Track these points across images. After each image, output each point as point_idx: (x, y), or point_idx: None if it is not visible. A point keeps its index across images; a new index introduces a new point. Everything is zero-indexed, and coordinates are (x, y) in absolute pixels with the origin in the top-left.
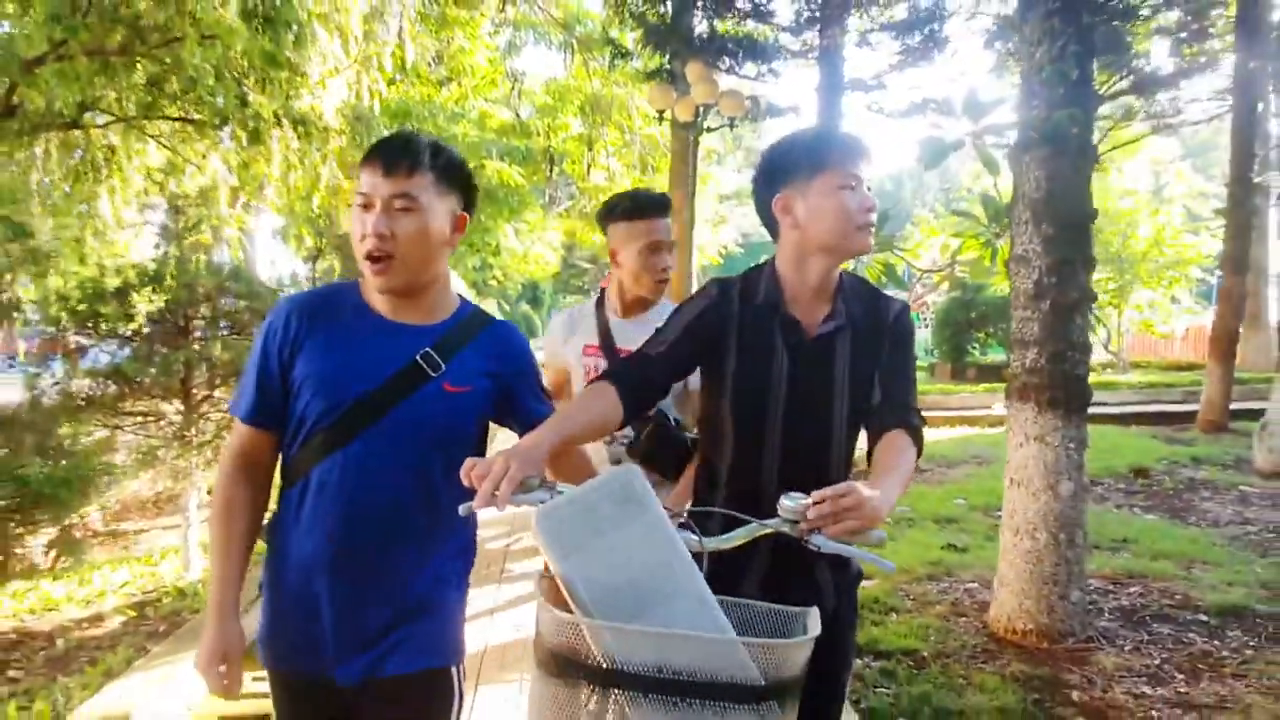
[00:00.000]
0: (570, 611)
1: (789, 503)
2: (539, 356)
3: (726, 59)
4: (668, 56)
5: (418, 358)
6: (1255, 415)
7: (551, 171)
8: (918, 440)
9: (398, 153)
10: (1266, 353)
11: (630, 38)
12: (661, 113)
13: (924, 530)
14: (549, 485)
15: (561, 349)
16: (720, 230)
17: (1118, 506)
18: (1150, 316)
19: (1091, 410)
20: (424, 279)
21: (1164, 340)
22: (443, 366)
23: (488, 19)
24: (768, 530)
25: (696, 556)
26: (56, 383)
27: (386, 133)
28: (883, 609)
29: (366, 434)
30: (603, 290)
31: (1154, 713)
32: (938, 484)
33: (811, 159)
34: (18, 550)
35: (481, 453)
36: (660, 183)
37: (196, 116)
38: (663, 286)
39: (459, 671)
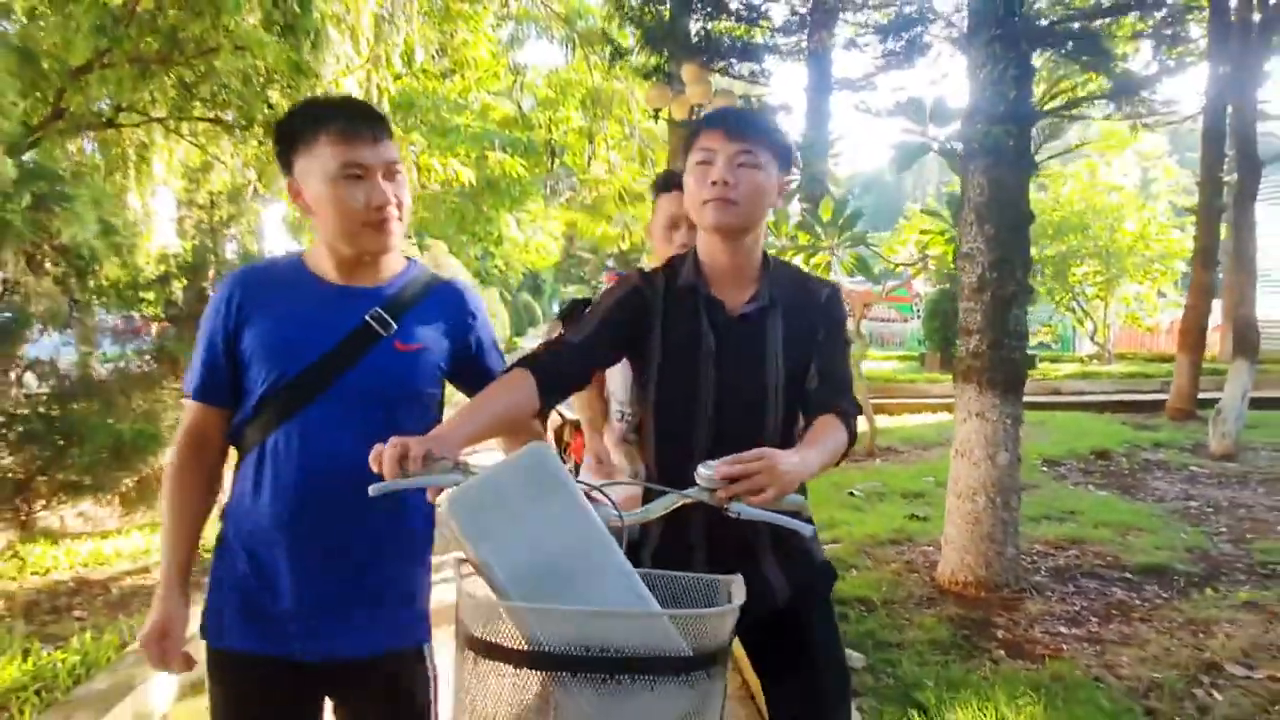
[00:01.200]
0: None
1: (705, 471)
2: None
3: (720, 60)
4: (664, 57)
5: (367, 318)
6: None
7: (553, 163)
8: (848, 424)
9: (375, 122)
10: None
11: (631, 33)
12: (658, 111)
13: (892, 503)
14: (461, 466)
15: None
16: None
17: (1075, 484)
18: (1136, 310)
19: (1071, 399)
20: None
21: (1149, 333)
22: (393, 325)
23: (490, 13)
24: (687, 500)
25: (618, 534)
26: (111, 360)
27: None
28: (844, 567)
29: (319, 400)
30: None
31: (1064, 646)
32: (911, 464)
33: (689, 137)
34: (82, 511)
35: (439, 415)
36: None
37: (224, 117)
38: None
39: (429, 649)
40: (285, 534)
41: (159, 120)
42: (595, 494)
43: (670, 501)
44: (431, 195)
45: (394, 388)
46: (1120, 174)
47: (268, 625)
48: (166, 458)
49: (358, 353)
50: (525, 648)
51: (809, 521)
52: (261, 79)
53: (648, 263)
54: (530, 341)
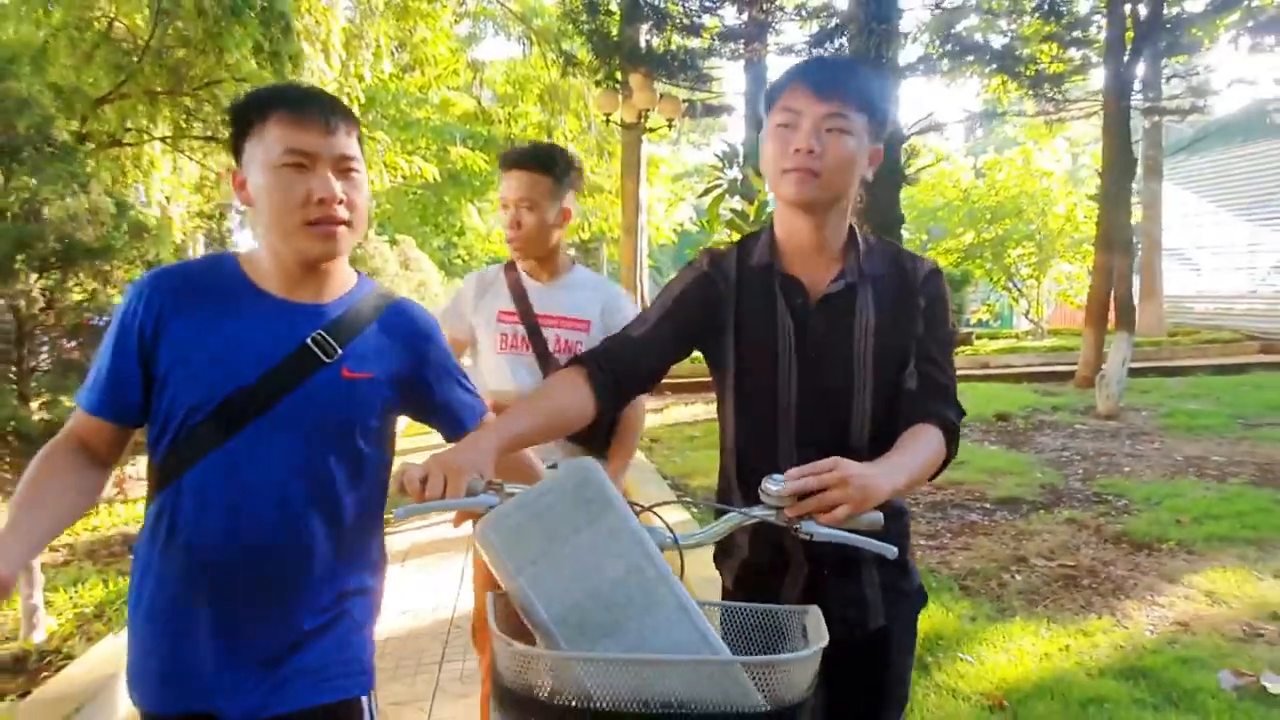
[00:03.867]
0: (529, 635)
1: (771, 486)
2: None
3: (664, 69)
4: (614, 65)
5: (309, 340)
6: (1137, 374)
7: None
8: (949, 435)
9: (330, 108)
10: (1159, 320)
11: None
12: (609, 115)
13: None
14: (495, 486)
15: (467, 314)
16: (677, 209)
17: (973, 441)
18: (1067, 288)
19: (996, 371)
20: (351, 246)
21: (1080, 310)
22: (339, 350)
23: (449, 10)
24: (752, 520)
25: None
26: None
27: None
28: None
29: (249, 430)
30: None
31: (915, 550)
32: None
33: (771, 94)
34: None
35: (390, 451)
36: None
37: (220, 136)
38: (514, 248)
39: (371, 701)
40: (206, 580)
41: (161, 139)
42: (648, 514)
43: (734, 521)
44: (395, 189)
45: (334, 420)
46: (1052, 160)
47: (187, 681)
48: (39, 452)
49: (296, 379)
50: (573, 704)
51: (899, 542)
52: None
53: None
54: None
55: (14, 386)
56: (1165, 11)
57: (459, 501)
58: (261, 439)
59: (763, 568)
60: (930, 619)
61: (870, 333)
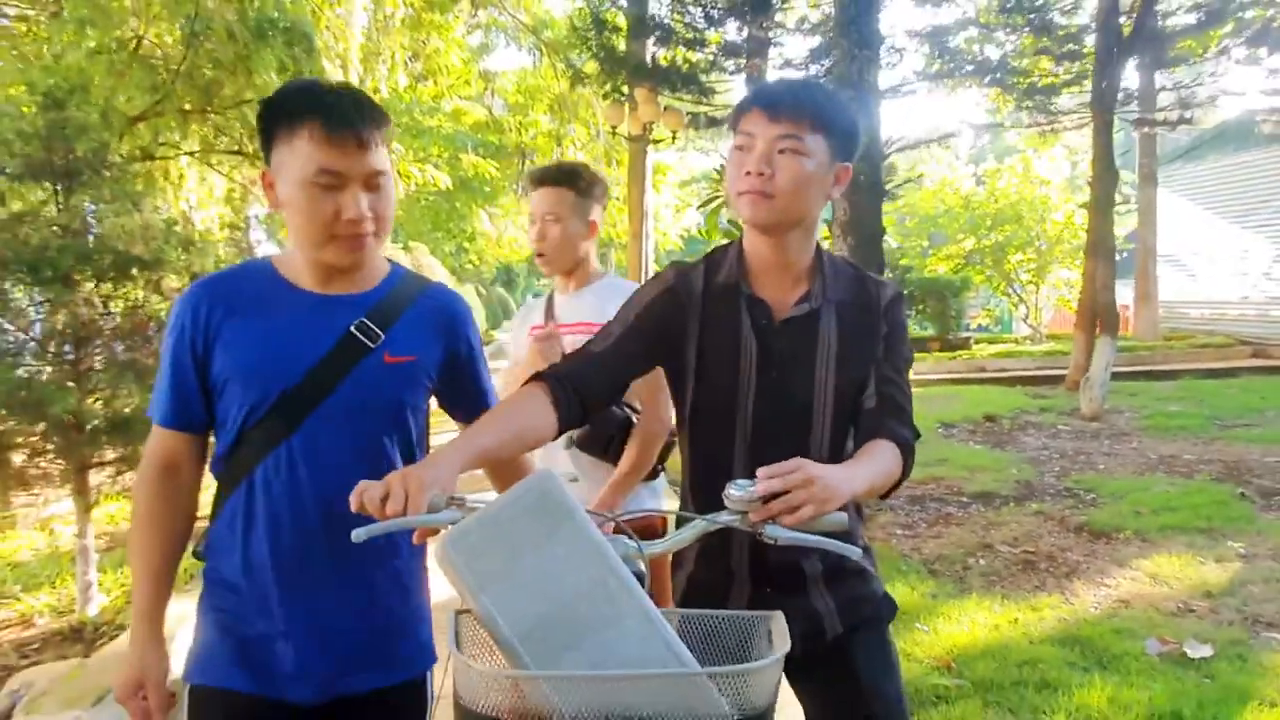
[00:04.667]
0: (494, 647)
1: (736, 491)
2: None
3: (668, 83)
4: (620, 80)
5: (352, 328)
6: (1128, 378)
7: (523, 165)
8: (904, 453)
9: (363, 121)
10: (1153, 325)
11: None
12: (615, 127)
13: None
14: (457, 502)
15: (518, 335)
16: (684, 214)
17: (959, 441)
18: (1066, 294)
19: (991, 375)
20: None
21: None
22: (381, 335)
23: (461, 22)
24: (716, 526)
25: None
26: None
27: None
28: None
29: (309, 421)
30: None
31: (891, 539)
32: None
33: (732, 116)
34: None
35: (428, 432)
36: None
37: (245, 149)
38: (542, 263)
39: (431, 677)
40: (280, 570)
41: (190, 153)
42: (611, 525)
43: (699, 528)
44: (408, 196)
45: (385, 403)
46: (1051, 168)
47: (259, 666)
48: (134, 488)
49: (346, 367)
50: None
51: (858, 544)
52: None
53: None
54: (505, 335)
55: (73, 384)
56: (1158, 24)
57: (420, 519)
58: (320, 429)
59: (707, 585)
60: (895, 596)
61: (832, 356)
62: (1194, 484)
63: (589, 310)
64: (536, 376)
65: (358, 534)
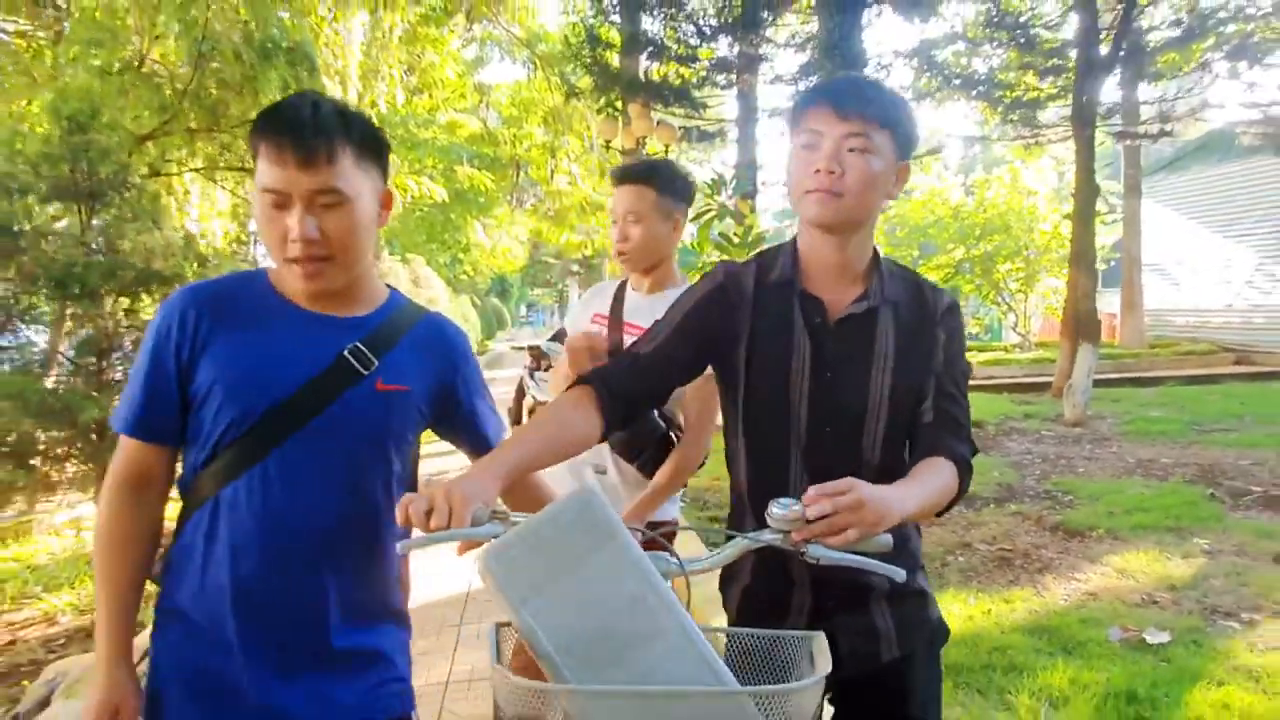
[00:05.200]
0: (534, 666)
1: (778, 510)
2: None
3: (661, 98)
4: (614, 95)
5: (345, 353)
6: (1114, 384)
7: (518, 177)
8: (961, 471)
9: (309, 135)
10: (1139, 333)
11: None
12: (608, 141)
13: None
14: (500, 515)
15: (577, 320)
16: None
17: None
18: (1054, 302)
19: (979, 382)
20: (356, 271)
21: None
22: (375, 362)
23: (456, 36)
24: (758, 545)
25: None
26: None
27: None
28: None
29: (287, 444)
30: None
31: None
32: None
33: (793, 111)
34: None
35: (415, 467)
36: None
37: (251, 166)
38: (621, 259)
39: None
40: (243, 599)
41: (196, 170)
42: (653, 538)
43: (740, 546)
44: (404, 208)
45: (372, 431)
46: (1038, 179)
47: (221, 704)
48: (99, 503)
49: (334, 393)
50: None
51: (907, 567)
52: None
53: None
54: (500, 345)
55: (96, 394)
56: (1139, 40)
57: (464, 532)
58: (299, 453)
59: (766, 597)
60: None
61: (889, 357)
62: (1167, 486)
63: (653, 317)
64: (582, 380)
65: (401, 546)
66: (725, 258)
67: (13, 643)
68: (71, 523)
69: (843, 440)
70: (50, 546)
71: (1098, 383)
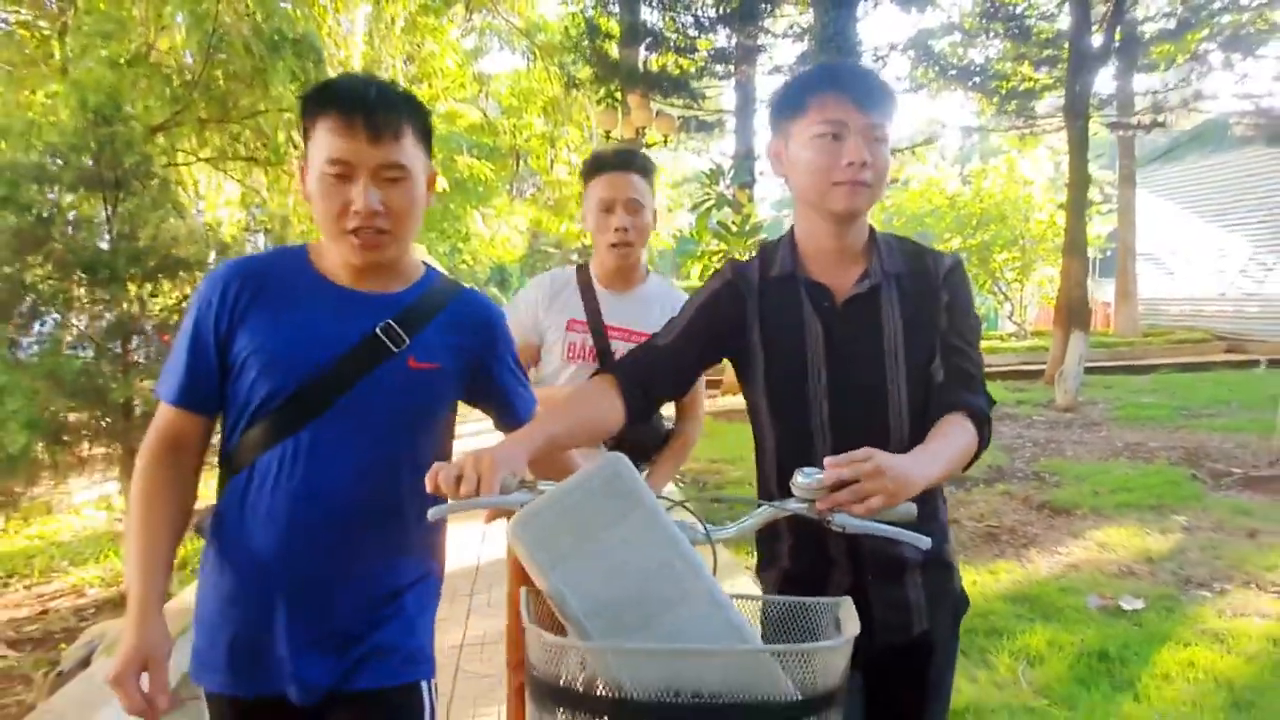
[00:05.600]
0: (562, 631)
1: (802, 479)
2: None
3: (660, 89)
4: (614, 86)
5: (378, 330)
6: (1107, 371)
7: (518, 167)
8: (979, 424)
9: (380, 112)
10: (1134, 321)
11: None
12: (608, 131)
13: None
14: (528, 485)
15: (540, 318)
16: (677, 214)
17: None
18: (1049, 291)
19: None
20: (405, 247)
21: None
22: (407, 340)
23: (455, 25)
24: (784, 514)
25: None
26: None
27: None
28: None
29: (321, 418)
30: (584, 263)
31: None
32: None
33: (795, 98)
34: None
35: (449, 439)
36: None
37: (257, 157)
38: (618, 252)
39: (430, 687)
40: (276, 563)
41: (206, 160)
42: (675, 507)
43: (765, 515)
44: None
45: (402, 409)
46: (1034, 168)
47: (256, 664)
48: (138, 466)
49: (366, 368)
50: (607, 694)
51: (936, 538)
52: (296, 130)
53: (598, 255)
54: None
55: (122, 374)
56: (1135, 30)
57: (493, 499)
58: (332, 427)
59: (805, 578)
60: None
61: (899, 330)
62: (1152, 467)
63: (637, 318)
64: (606, 369)
65: (433, 513)
66: (723, 246)
67: (44, 612)
68: (101, 501)
69: (868, 418)
70: (72, 525)
71: (1092, 370)
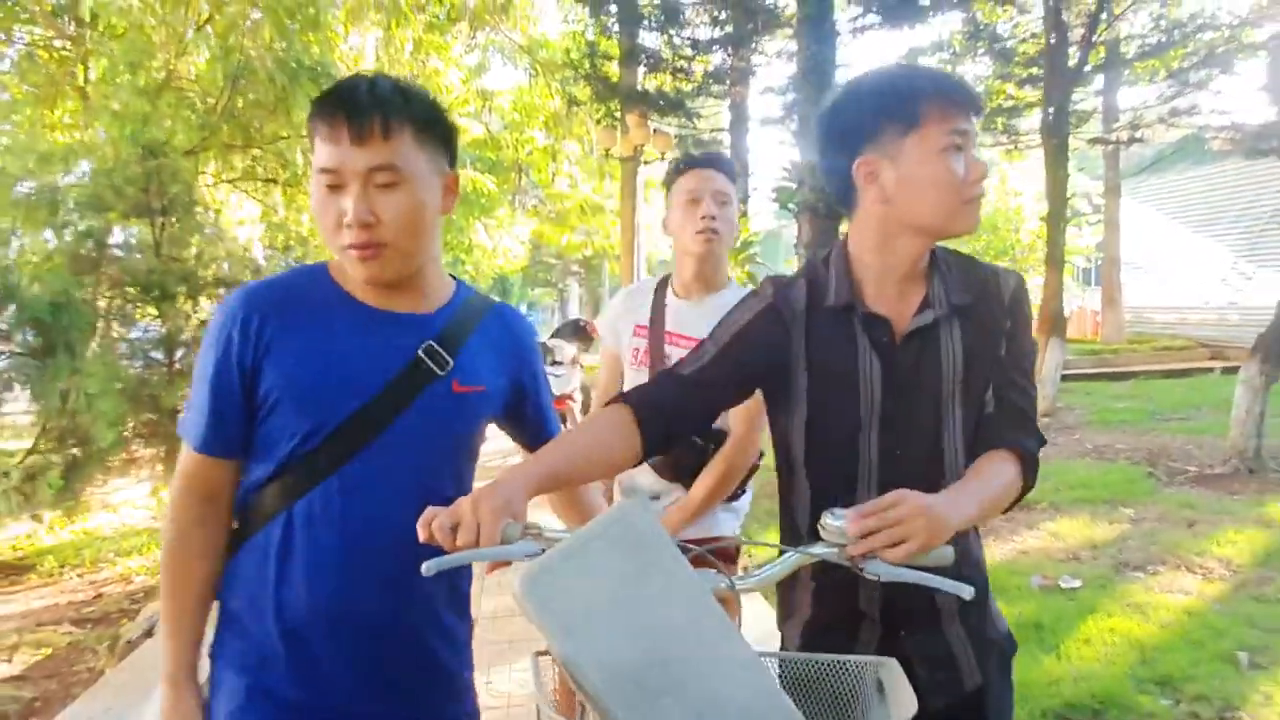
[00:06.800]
0: (579, 697)
1: (832, 521)
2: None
3: (657, 109)
4: (613, 106)
5: (420, 353)
6: (1091, 378)
7: (520, 180)
8: (1025, 464)
9: (364, 110)
10: (1119, 329)
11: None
12: (608, 150)
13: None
14: (533, 531)
15: (617, 326)
16: None
17: None
18: (1038, 301)
19: None
20: (420, 261)
21: None
22: (450, 362)
23: (459, 42)
24: (812, 559)
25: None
26: None
27: None
28: None
29: (365, 453)
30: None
31: None
32: None
33: (904, 110)
34: None
35: (474, 463)
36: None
37: (275, 178)
38: (705, 240)
39: None
40: (322, 618)
41: (228, 181)
42: (700, 555)
43: (793, 562)
44: None
45: (450, 435)
46: (1023, 180)
47: None
48: (165, 517)
49: (411, 396)
50: None
51: (974, 582)
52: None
53: (678, 262)
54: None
55: (170, 383)
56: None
57: (495, 551)
58: (376, 461)
59: (830, 630)
60: None
61: (958, 363)
62: (1113, 466)
63: (701, 325)
64: (622, 397)
65: (428, 567)
66: None
67: (99, 596)
68: (153, 491)
69: (921, 461)
70: (111, 522)
71: (1075, 376)
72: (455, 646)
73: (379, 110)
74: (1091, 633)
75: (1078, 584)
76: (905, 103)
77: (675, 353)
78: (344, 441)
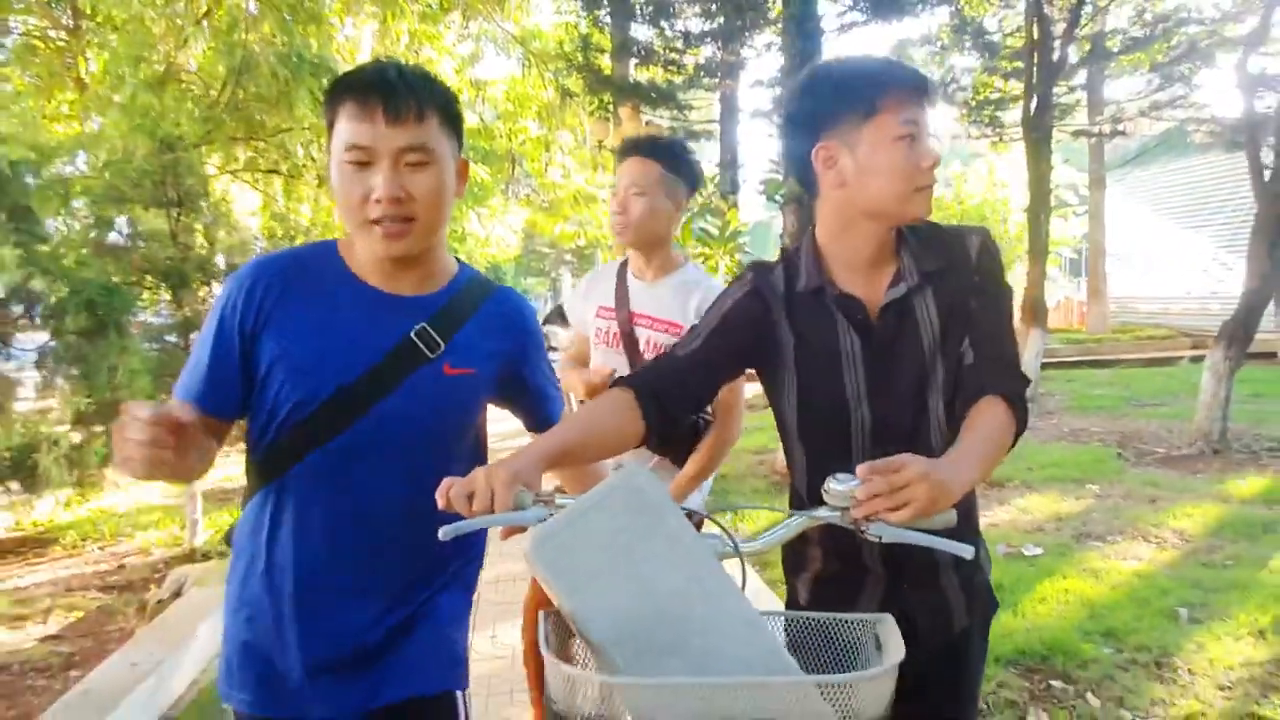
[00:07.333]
0: (586, 652)
1: (836, 485)
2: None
3: (649, 101)
4: (606, 99)
5: (413, 335)
6: (1074, 366)
7: (513, 170)
8: (1016, 409)
9: (401, 93)
10: (1103, 319)
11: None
12: (601, 141)
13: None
14: (544, 499)
15: (580, 308)
16: None
17: None
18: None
19: None
20: (434, 239)
21: None
22: (442, 345)
23: (451, 32)
24: (815, 522)
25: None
26: None
27: None
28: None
29: (354, 427)
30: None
31: None
32: None
33: (862, 98)
34: None
35: (481, 444)
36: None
37: (278, 169)
38: (618, 234)
39: (465, 698)
40: (305, 578)
41: (232, 172)
42: (707, 521)
43: (797, 524)
44: None
45: (438, 416)
46: (1011, 172)
47: (279, 683)
48: None
49: (401, 375)
50: None
51: (972, 540)
52: (315, 146)
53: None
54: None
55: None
56: (1100, 45)
57: (507, 517)
58: (365, 435)
59: (838, 584)
60: None
61: (936, 332)
62: (1086, 448)
63: (665, 307)
64: (622, 381)
65: (445, 531)
66: (706, 250)
67: (121, 566)
68: (121, 486)
69: (907, 423)
70: (123, 500)
71: (1059, 364)
72: (437, 621)
73: (413, 94)
74: (1047, 592)
75: (1039, 551)
76: (863, 91)
77: (641, 332)
78: (334, 413)
